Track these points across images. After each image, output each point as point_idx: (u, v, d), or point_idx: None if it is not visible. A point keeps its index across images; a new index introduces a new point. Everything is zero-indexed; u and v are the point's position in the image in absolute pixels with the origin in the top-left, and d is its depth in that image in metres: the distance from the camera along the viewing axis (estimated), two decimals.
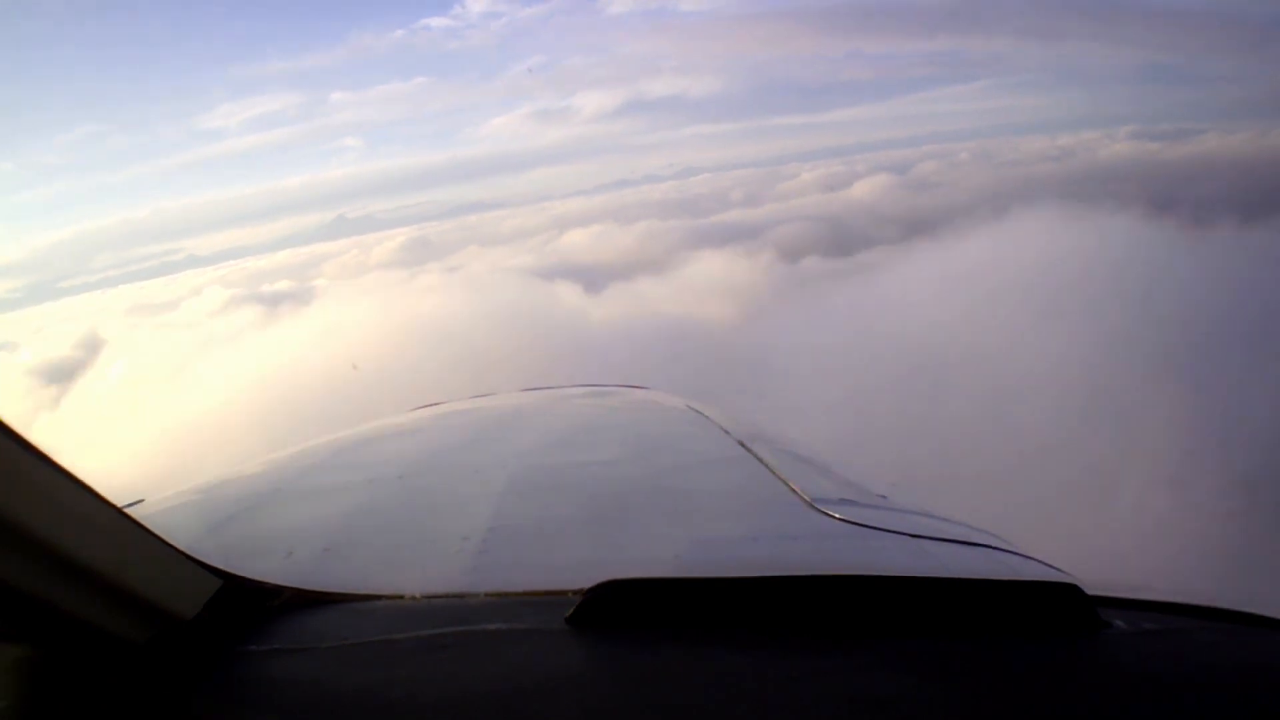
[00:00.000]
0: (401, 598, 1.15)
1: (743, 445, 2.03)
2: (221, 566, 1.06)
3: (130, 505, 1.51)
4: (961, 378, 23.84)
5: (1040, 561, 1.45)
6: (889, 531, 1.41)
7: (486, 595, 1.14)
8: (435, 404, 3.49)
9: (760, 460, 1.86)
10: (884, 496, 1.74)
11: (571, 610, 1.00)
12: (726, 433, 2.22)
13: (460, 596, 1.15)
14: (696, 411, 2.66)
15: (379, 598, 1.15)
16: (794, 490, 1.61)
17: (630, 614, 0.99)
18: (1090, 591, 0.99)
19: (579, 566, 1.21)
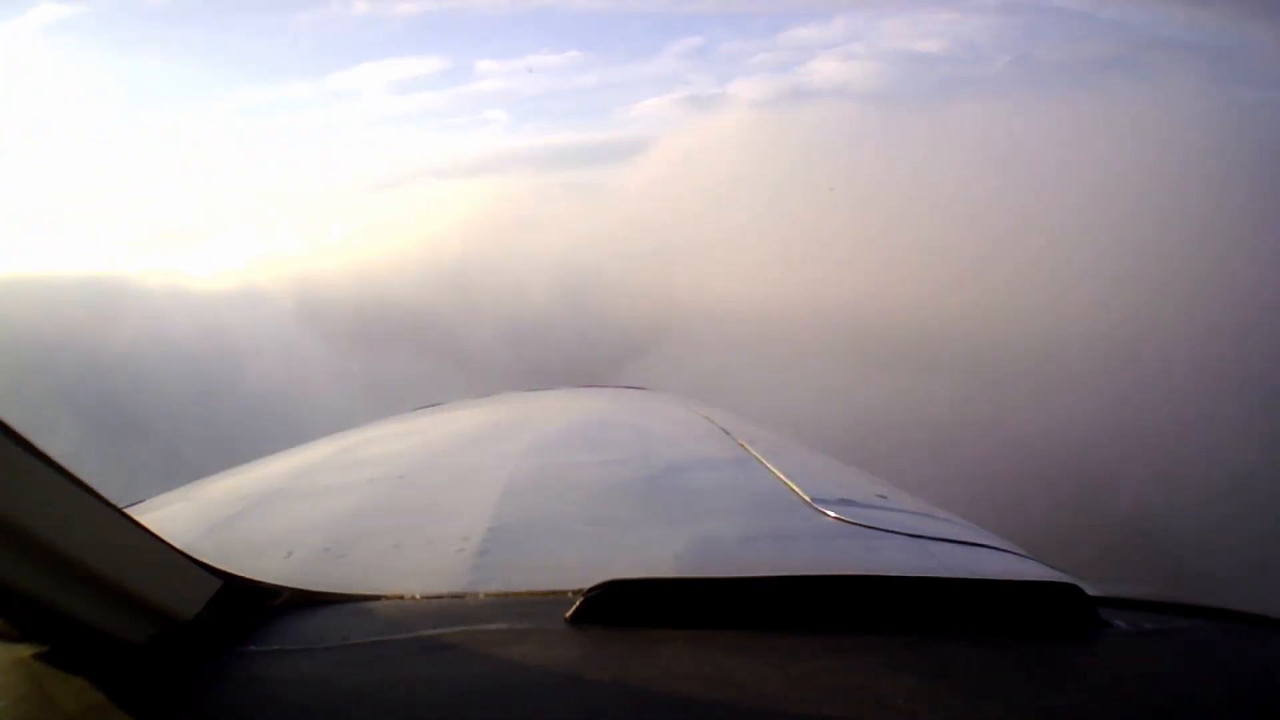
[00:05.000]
0: (401, 598, 1.15)
1: (742, 445, 2.04)
2: (221, 566, 1.06)
3: (130, 505, 1.51)
4: None
5: (1040, 562, 1.45)
6: (889, 531, 1.41)
7: (486, 595, 1.14)
8: (435, 404, 3.50)
9: (760, 460, 1.87)
10: (884, 496, 1.74)
11: (572, 610, 1.00)
12: (726, 433, 2.22)
13: (460, 596, 1.15)
14: (696, 411, 2.67)
15: (379, 598, 1.14)
16: (794, 490, 1.61)
17: (630, 614, 0.99)
18: (1090, 591, 1.00)
19: (579, 566, 1.21)
